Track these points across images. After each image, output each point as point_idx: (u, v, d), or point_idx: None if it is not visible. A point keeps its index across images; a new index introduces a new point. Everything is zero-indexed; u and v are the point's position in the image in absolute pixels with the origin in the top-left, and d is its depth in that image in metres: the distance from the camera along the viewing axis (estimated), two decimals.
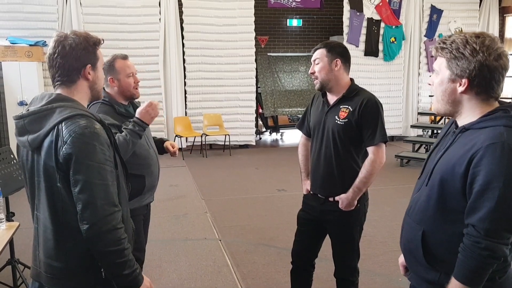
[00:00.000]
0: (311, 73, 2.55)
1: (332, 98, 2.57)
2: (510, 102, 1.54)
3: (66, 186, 1.53)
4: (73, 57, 1.60)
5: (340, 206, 2.52)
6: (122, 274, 1.56)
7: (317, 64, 2.51)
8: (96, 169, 1.51)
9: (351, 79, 2.59)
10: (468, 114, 1.52)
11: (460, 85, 1.49)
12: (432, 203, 1.56)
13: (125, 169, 1.77)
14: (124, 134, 2.41)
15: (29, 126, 1.57)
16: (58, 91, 1.65)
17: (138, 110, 2.52)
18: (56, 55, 1.60)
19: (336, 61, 2.48)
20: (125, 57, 2.63)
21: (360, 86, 2.58)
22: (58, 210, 1.57)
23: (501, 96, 1.55)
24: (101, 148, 1.54)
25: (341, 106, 2.50)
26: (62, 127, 1.52)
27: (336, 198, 2.53)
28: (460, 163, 1.45)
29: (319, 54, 2.51)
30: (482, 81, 1.45)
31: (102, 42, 1.73)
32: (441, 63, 1.53)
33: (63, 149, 1.50)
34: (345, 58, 2.52)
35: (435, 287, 1.55)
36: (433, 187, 1.55)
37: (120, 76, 2.57)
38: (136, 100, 2.74)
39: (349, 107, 2.47)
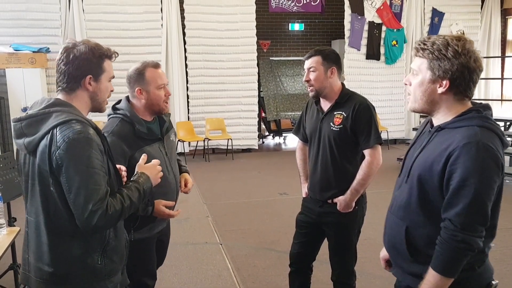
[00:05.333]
0: (306, 80, 2.56)
1: (325, 105, 2.59)
2: (482, 103, 1.60)
3: (59, 191, 1.55)
4: (75, 65, 1.63)
5: (338, 208, 2.55)
6: (139, 204, 1.72)
7: (313, 72, 2.51)
8: (90, 174, 1.52)
9: (342, 84, 2.62)
10: (444, 114, 1.58)
11: (441, 86, 1.53)
12: (413, 199, 1.62)
13: (119, 178, 1.77)
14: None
15: (26, 129, 1.60)
16: (59, 96, 1.68)
17: (163, 204, 2.22)
18: (60, 61, 1.65)
19: (332, 69, 2.51)
20: (156, 66, 2.29)
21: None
22: (50, 214, 1.59)
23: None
24: (94, 153, 1.55)
25: (335, 113, 2.53)
26: (56, 131, 1.53)
27: (335, 200, 2.56)
28: (437, 161, 1.51)
29: (314, 62, 2.51)
30: (462, 82, 1.50)
31: (115, 55, 1.73)
32: (421, 64, 1.56)
33: (56, 154, 1.51)
34: (339, 65, 2.56)
35: (419, 279, 1.58)
36: (413, 184, 1.62)
37: (150, 87, 2.24)
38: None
39: (343, 113, 2.50)
